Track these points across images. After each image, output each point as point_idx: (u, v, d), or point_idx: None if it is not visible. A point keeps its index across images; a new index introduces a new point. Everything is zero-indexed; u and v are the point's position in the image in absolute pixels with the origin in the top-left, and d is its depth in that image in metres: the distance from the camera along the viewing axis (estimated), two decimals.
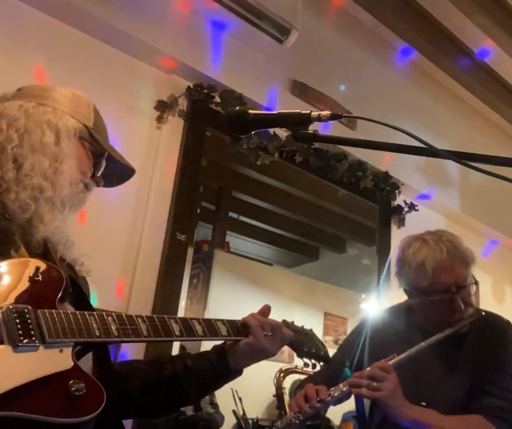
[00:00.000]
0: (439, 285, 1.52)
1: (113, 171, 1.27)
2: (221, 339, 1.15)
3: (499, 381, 1.49)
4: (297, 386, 1.87)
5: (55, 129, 1.11)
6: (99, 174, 1.22)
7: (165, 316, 1.04)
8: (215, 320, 1.13)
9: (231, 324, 1.16)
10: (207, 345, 1.23)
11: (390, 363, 1.50)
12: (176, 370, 1.18)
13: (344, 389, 1.47)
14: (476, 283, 1.58)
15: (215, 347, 1.23)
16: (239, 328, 1.17)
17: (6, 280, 0.88)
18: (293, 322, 1.35)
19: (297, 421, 1.43)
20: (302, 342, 1.35)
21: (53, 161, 1.08)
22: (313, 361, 1.35)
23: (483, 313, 1.61)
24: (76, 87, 1.25)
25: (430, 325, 1.61)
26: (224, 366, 1.18)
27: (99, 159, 1.21)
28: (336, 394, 1.46)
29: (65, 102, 1.17)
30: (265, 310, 1.26)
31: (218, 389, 1.24)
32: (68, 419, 0.77)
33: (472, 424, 1.46)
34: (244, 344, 1.16)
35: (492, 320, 1.65)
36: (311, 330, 1.41)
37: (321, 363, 1.39)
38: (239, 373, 1.21)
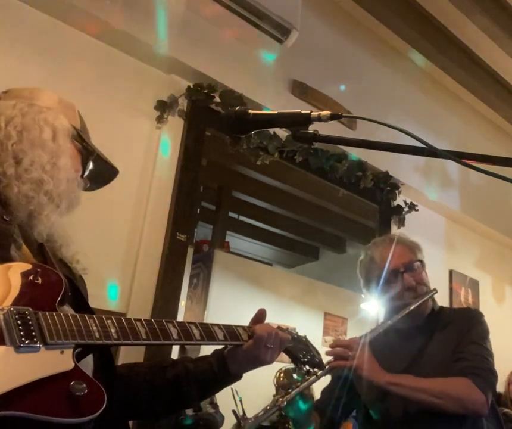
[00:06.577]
0: (388, 269, 1.70)
1: (97, 172, 1.29)
2: (218, 344, 1.16)
3: (468, 349, 1.59)
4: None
5: (51, 127, 1.13)
6: (85, 176, 1.24)
7: (163, 320, 1.04)
8: (212, 324, 1.15)
9: (228, 329, 1.17)
10: (206, 349, 1.23)
11: (361, 341, 1.61)
12: (177, 373, 1.19)
13: (326, 367, 1.55)
14: (422, 263, 1.74)
15: (215, 351, 1.24)
16: (236, 333, 1.18)
17: (6, 283, 0.88)
18: (287, 328, 1.36)
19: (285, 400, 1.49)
20: (298, 349, 1.35)
21: (51, 157, 1.10)
22: (307, 367, 1.35)
23: (436, 291, 1.75)
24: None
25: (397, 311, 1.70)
26: (223, 370, 1.19)
27: (87, 160, 1.23)
28: (319, 373, 1.52)
29: (54, 104, 1.19)
30: (260, 315, 1.27)
31: (219, 392, 1.25)
32: (69, 419, 0.77)
33: (447, 381, 1.54)
34: (242, 350, 1.18)
35: (463, 309, 1.83)
36: (305, 336, 1.42)
37: (315, 370, 1.40)
38: (238, 377, 1.22)
